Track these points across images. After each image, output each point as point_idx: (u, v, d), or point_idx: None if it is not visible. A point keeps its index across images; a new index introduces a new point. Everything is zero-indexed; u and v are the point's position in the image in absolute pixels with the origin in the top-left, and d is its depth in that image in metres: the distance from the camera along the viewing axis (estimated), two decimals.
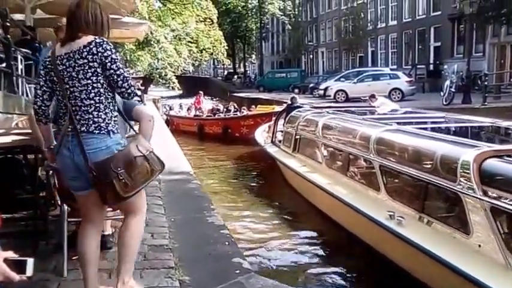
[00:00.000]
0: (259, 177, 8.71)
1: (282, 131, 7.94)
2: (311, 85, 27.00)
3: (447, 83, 15.81)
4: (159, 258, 2.88)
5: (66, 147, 2.06)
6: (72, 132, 2.05)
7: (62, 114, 2.10)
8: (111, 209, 2.58)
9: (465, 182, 3.05)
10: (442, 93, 15.75)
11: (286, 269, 4.24)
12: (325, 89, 22.30)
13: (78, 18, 2.07)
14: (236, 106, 16.10)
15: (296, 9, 40.30)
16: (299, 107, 8.69)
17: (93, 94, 2.04)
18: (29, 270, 1.20)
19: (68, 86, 2.04)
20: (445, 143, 3.72)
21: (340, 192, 4.68)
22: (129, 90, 2.08)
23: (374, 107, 7.97)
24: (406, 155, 4.05)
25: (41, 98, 2.11)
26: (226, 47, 27.12)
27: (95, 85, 2.03)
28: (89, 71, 2.01)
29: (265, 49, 46.74)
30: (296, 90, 28.26)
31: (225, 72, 52.08)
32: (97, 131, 2.04)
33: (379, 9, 30.34)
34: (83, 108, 2.04)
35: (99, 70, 2.02)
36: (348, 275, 4.13)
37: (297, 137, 6.84)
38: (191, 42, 24.18)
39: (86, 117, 2.04)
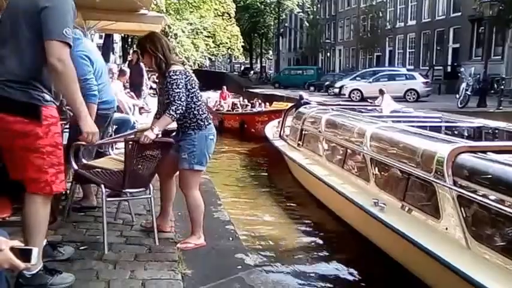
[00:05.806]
0: (268, 171, 9.03)
1: (289, 126, 8.28)
2: (326, 83, 26.95)
3: (463, 85, 15.71)
4: (164, 251, 2.95)
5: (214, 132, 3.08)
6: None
7: (202, 112, 3.00)
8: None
9: (439, 173, 3.40)
10: (457, 96, 15.68)
11: (289, 265, 4.28)
12: (341, 88, 22.43)
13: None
14: (261, 101, 16.31)
15: (314, 6, 40.36)
16: (307, 103, 9.00)
17: None
18: (34, 259, 1.25)
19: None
20: (429, 139, 4.06)
21: (335, 182, 5.05)
22: None
23: (377, 105, 8.23)
24: (394, 149, 4.40)
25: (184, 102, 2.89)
26: (244, 43, 27.31)
27: None
28: None
29: (282, 45, 46.88)
30: (311, 88, 28.40)
31: (242, 68, 52.50)
32: None
33: (399, 9, 30.20)
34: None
35: None
36: (351, 271, 4.17)
37: (303, 132, 7.20)
38: (208, 37, 24.53)
39: None
